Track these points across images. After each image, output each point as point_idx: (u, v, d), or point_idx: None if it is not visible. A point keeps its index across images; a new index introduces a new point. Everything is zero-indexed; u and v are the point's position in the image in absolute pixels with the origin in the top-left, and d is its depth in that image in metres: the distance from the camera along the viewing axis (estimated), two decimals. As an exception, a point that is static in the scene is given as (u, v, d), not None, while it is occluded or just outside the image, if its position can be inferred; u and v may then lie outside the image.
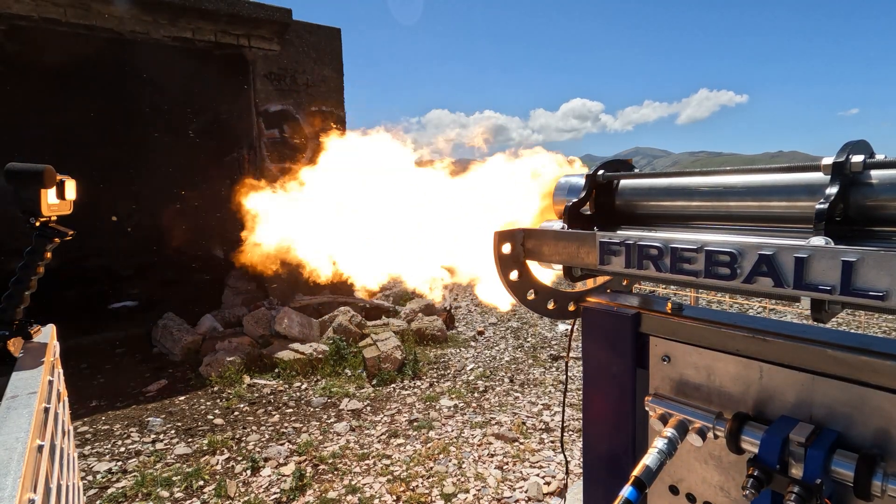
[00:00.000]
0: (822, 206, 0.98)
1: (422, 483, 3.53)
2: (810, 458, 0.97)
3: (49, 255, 1.61)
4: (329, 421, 4.52)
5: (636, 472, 1.08)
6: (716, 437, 1.15)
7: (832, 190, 1.00)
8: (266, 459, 3.83)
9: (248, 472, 3.68)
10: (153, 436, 4.25)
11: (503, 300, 1.69)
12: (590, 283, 1.65)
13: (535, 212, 1.71)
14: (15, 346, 1.54)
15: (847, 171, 1.00)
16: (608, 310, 1.39)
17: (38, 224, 1.56)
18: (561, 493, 3.37)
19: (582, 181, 1.50)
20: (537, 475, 3.60)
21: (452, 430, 4.30)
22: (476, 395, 5.07)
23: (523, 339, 6.87)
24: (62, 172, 1.60)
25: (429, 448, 3.99)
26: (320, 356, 5.74)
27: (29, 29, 5.68)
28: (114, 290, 8.72)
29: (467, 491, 3.44)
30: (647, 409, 1.28)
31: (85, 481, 3.55)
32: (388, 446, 4.05)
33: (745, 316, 1.29)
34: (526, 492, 3.41)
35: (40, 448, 1.10)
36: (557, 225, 1.47)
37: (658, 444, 1.14)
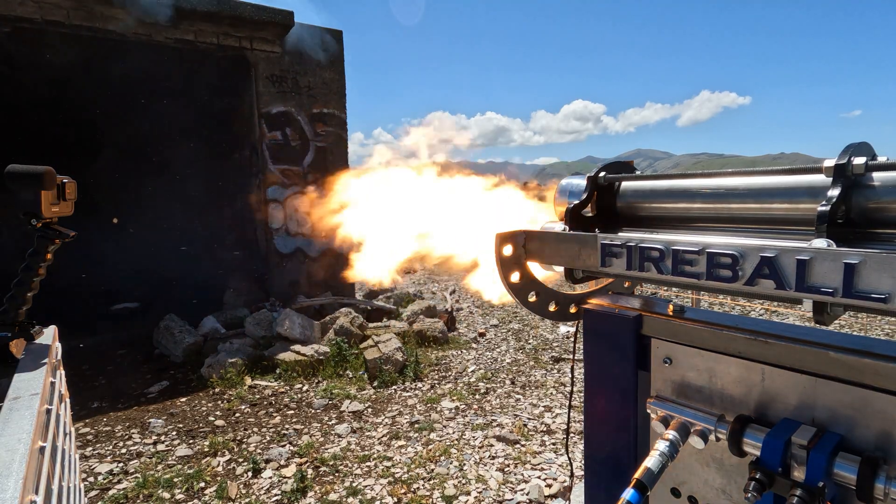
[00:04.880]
0: (823, 208, 0.98)
1: (423, 485, 3.53)
2: (812, 461, 0.97)
3: (50, 256, 1.62)
4: (330, 422, 4.52)
5: (638, 474, 1.08)
6: (717, 439, 1.15)
7: (834, 192, 0.99)
8: (267, 461, 3.83)
9: (250, 473, 3.68)
10: (154, 437, 4.25)
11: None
12: (591, 286, 1.65)
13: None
14: (17, 347, 1.54)
15: (849, 174, 1.00)
16: (610, 312, 1.39)
17: (39, 225, 1.57)
18: (564, 495, 3.36)
19: (583, 183, 1.50)
20: (538, 477, 3.59)
21: (454, 432, 4.30)
22: (477, 396, 5.06)
23: (524, 341, 6.86)
24: (63, 174, 1.60)
25: (430, 450, 3.99)
26: (321, 358, 5.73)
27: (32, 31, 5.71)
28: (115, 291, 8.73)
29: (468, 493, 3.43)
30: (648, 411, 1.28)
31: (86, 483, 3.55)
32: (389, 448, 4.05)
33: (747, 318, 1.29)
34: (527, 494, 3.40)
35: (42, 450, 1.10)
36: (559, 227, 1.47)
37: (660, 446, 1.14)
